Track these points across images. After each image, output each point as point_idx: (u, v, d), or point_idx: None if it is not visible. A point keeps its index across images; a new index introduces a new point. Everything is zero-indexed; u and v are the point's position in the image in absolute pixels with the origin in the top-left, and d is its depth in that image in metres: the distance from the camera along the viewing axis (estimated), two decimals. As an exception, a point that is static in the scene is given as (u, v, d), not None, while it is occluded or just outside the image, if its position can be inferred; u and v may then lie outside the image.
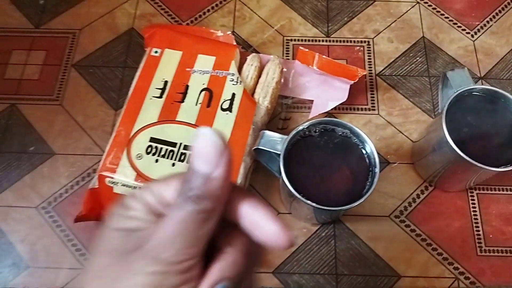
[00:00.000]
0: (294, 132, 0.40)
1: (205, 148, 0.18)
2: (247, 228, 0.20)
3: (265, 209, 0.20)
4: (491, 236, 0.47)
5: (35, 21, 0.58)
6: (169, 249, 0.18)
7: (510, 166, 0.40)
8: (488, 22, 0.59)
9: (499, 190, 0.49)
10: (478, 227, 0.47)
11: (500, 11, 0.60)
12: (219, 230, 0.20)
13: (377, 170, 0.39)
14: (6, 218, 0.47)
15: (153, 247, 0.19)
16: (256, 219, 0.20)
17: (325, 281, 0.45)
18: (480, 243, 0.47)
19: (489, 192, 0.49)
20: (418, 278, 0.45)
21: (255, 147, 0.42)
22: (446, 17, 0.59)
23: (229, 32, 0.54)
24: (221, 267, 0.20)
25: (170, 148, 0.44)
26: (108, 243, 0.20)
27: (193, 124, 0.45)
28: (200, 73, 0.48)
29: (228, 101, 0.47)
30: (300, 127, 0.41)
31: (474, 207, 0.48)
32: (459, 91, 0.43)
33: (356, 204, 0.38)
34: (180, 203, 0.19)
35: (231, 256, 0.20)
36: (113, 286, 0.19)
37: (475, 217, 0.48)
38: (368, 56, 0.56)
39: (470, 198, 0.49)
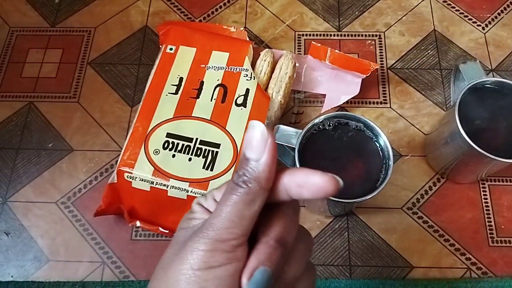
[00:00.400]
0: (308, 126, 0.41)
1: (252, 138, 0.21)
2: (295, 193, 0.22)
3: (302, 170, 0.22)
4: (502, 226, 0.47)
5: (51, 20, 0.59)
6: (217, 228, 0.21)
7: (523, 157, 0.41)
8: (499, 14, 0.59)
9: (510, 182, 0.49)
10: (489, 218, 0.48)
11: (511, 3, 0.60)
12: (262, 222, 0.22)
13: (391, 162, 0.39)
14: (27, 213, 0.49)
15: (203, 229, 0.21)
16: (299, 180, 0.21)
17: (339, 272, 0.46)
18: (492, 233, 0.47)
19: (501, 183, 0.49)
20: (431, 268, 0.46)
21: (270, 141, 0.43)
22: (456, 10, 0.59)
23: (242, 28, 0.54)
24: (258, 255, 0.21)
25: (186, 143, 0.45)
26: (174, 240, 0.23)
27: (208, 120, 0.46)
28: (214, 69, 0.49)
29: (242, 97, 0.47)
30: (315, 121, 0.41)
31: (486, 199, 0.49)
32: (471, 84, 0.43)
33: (370, 196, 0.38)
34: (229, 188, 0.21)
35: (266, 244, 0.21)
36: (169, 267, 0.21)
37: (487, 208, 0.48)
38: (380, 49, 0.57)
39: (481, 189, 0.49)
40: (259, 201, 0.21)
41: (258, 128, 0.21)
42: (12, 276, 0.46)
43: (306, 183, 0.21)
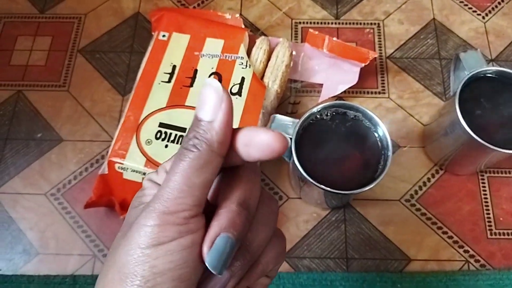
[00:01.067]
0: (306, 115, 0.40)
1: (205, 97, 0.19)
2: (244, 154, 0.20)
3: (247, 129, 0.20)
4: (501, 219, 0.47)
5: (40, 6, 0.58)
6: (164, 200, 0.19)
7: (523, 148, 0.40)
8: (499, 3, 0.58)
9: (510, 173, 0.49)
10: (488, 210, 0.47)
11: (512, -8, 0.59)
12: (222, 189, 0.21)
13: (389, 153, 0.39)
14: (15, 205, 0.47)
15: (151, 203, 0.19)
16: (244, 139, 0.20)
17: (336, 265, 0.45)
18: (490, 226, 0.46)
19: (500, 175, 0.49)
20: (429, 261, 0.45)
21: (265, 131, 0.42)
22: (456, -1, 0.58)
23: (237, 15, 0.53)
24: (219, 221, 0.20)
25: (179, 133, 0.44)
26: (124, 222, 0.21)
27: (202, 109, 0.45)
28: (208, 57, 0.48)
29: (238, 85, 0.46)
30: (312, 110, 0.40)
31: (485, 190, 0.48)
32: (472, 73, 0.42)
33: (368, 188, 0.37)
34: (177, 154, 0.19)
35: (228, 209, 0.20)
36: (116, 251, 0.19)
37: (486, 200, 0.48)
38: (378, 38, 0.55)
39: (480, 181, 0.48)
40: (212, 167, 0.19)
41: (213, 86, 0.19)
42: (0, 270, 0.45)
43: (252, 141, 0.20)
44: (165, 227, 0.18)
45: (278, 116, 0.41)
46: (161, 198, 0.19)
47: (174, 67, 0.47)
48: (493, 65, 0.54)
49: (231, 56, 0.47)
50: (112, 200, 0.44)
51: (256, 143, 0.20)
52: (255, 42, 0.50)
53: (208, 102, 0.19)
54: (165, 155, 0.43)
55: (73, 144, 0.50)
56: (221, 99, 0.19)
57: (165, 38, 0.49)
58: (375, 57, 0.53)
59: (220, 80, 0.46)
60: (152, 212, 0.19)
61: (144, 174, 0.42)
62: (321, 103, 0.42)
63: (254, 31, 0.56)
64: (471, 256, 0.45)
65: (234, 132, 0.20)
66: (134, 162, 0.42)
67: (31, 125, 0.51)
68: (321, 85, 0.52)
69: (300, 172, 0.38)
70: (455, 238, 0.46)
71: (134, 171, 0.43)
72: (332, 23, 0.57)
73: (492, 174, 0.49)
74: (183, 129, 0.44)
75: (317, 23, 0.57)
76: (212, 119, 0.19)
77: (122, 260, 0.19)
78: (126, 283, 0.18)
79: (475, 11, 0.57)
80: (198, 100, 0.20)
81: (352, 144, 0.41)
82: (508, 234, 0.46)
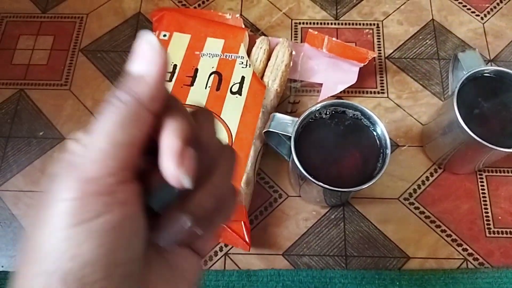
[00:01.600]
0: (305, 114, 0.40)
1: (139, 49, 0.17)
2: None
3: (172, 137, 0.17)
4: (499, 217, 0.47)
5: (42, 6, 0.58)
6: (83, 164, 0.15)
7: (521, 147, 0.40)
8: (498, 4, 0.58)
9: (508, 172, 0.49)
10: (487, 208, 0.47)
11: (510, -7, 0.59)
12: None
13: (388, 151, 0.39)
14: (18, 202, 0.48)
15: (66, 170, 0.16)
16: (162, 148, 0.17)
17: (335, 263, 0.45)
18: (488, 224, 0.47)
19: (498, 174, 0.49)
20: (427, 259, 0.45)
21: (265, 130, 0.42)
22: (455, 0, 0.59)
23: (238, 15, 0.53)
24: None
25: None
26: (42, 197, 0.17)
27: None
28: (209, 56, 0.48)
29: (238, 84, 0.46)
30: (312, 109, 0.41)
31: (483, 189, 0.48)
32: (470, 73, 0.43)
33: (367, 185, 0.38)
34: (101, 109, 0.16)
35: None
36: (28, 241, 0.16)
37: (484, 199, 0.48)
38: (378, 39, 0.56)
39: (479, 180, 0.49)
40: (141, 123, 0.16)
41: (147, 38, 0.17)
42: (2, 266, 0.45)
43: (162, 160, 0.17)
44: (86, 199, 0.15)
45: (278, 114, 0.42)
46: (79, 162, 0.15)
47: (175, 66, 0.48)
48: (491, 65, 0.54)
49: (231, 56, 0.48)
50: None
51: (162, 165, 0.17)
52: (255, 42, 0.51)
53: (141, 55, 0.17)
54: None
55: (75, 142, 0.50)
56: (157, 53, 0.17)
57: (166, 38, 0.49)
58: (374, 57, 0.53)
59: (220, 79, 0.47)
60: (68, 181, 0.15)
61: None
62: (320, 102, 0.42)
63: (254, 31, 0.56)
64: (470, 255, 0.46)
65: (165, 125, 0.17)
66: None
67: (33, 124, 0.51)
68: (321, 84, 0.52)
69: (300, 170, 0.38)
70: (454, 236, 0.46)
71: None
72: (331, 24, 0.57)
73: (490, 173, 0.49)
74: (183, 128, 0.44)
75: (317, 23, 0.57)
76: (144, 73, 0.17)
77: (38, 249, 0.15)
78: (46, 279, 0.15)
79: (473, 12, 0.58)
80: (132, 54, 0.17)
81: (351, 143, 0.41)
82: (506, 233, 0.46)
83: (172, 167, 0.16)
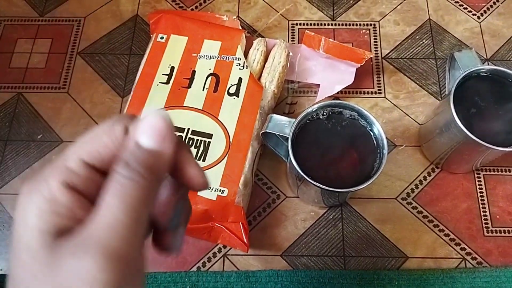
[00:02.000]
0: (302, 115, 0.40)
1: (155, 125, 0.18)
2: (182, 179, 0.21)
3: (195, 164, 0.21)
4: (497, 216, 0.47)
5: (40, 10, 0.58)
6: (117, 235, 0.17)
7: (518, 146, 0.40)
8: (494, 3, 0.59)
9: (505, 171, 0.49)
10: (484, 208, 0.47)
11: (506, -8, 0.59)
12: None
13: (385, 151, 0.39)
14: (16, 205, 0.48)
15: (94, 234, 0.17)
16: (191, 174, 0.20)
17: (333, 263, 0.45)
18: (486, 223, 0.47)
19: (496, 173, 0.49)
20: (425, 259, 0.45)
21: (263, 131, 0.42)
22: (452, -1, 0.59)
23: (235, 17, 0.53)
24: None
25: (178, 133, 0.44)
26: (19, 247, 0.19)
27: (200, 110, 0.45)
28: (206, 58, 0.48)
29: (235, 86, 0.47)
30: (308, 110, 0.41)
31: (481, 188, 0.48)
32: (466, 72, 0.43)
33: (364, 185, 0.38)
34: (116, 183, 0.17)
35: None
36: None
37: (482, 198, 0.48)
38: (374, 39, 0.56)
39: (476, 179, 0.49)
40: (155, 196, 0.19)
41: (162, 114, 0.18)
42: (1, 270, 0.45)
43: (185, 174, 0.21)
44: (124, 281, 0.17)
45: (275, 116, 0.42)
46: (110, 231, 0.17)
47: (172, 68, 0.48)
48: (488, 65, 0.55)
49: (228, 57, 0.48)
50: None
51: (185, 176, 0.21)
52: (252, 44, 0.51)
53: (157, 132, 0.18)
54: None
55: (73, 145, 0.50)
56: (171, 130, 0.18)
57: (163, 40, 0.49)
58: (371, 58, 0.53)
59: (217, 81, 0.47)
60: (101, 248, 0.16)
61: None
62: (318, 103, 0.42)
63: (251, 32, 0.56)
64: (468, 254, 0.46)
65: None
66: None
67: (31, 127, 0.52)
68: (318, 85, 0.52)
69: (297, 171, 0.38)
70: (452, 235, 0.46)
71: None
72: (328, 24, 0.57)
73: (488, 173, 0.49)
74: (181, 129, 0.44)
75: (314, 24, 0.57)
76: (161, 149, 0.18)
77: None
78: None
79: (470, 11, 0.58)
80: (142, 125, 0.18)
81: (348, 143, 0.41)
82: (504, 232, 0.46)
83: (204, 179, 0.21)
